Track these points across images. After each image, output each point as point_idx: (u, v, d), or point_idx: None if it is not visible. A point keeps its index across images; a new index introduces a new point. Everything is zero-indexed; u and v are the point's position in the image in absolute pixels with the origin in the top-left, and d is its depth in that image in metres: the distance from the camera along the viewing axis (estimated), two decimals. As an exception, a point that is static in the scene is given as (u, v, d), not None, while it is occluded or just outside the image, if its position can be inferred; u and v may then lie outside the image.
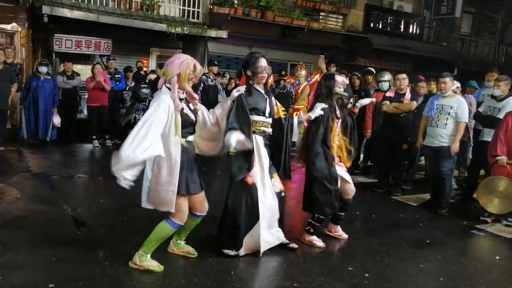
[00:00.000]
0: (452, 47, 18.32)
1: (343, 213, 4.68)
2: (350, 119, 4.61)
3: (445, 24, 18.24)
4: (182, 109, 3.49)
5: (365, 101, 5.08)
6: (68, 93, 9.42)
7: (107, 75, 9.46)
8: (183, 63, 3.46)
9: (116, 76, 9.77)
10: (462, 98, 6.10)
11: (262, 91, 4.05)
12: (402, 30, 16.68)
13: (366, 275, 3.87)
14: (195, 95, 3.68)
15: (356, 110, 4.77)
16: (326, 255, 4.33)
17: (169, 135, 3.39)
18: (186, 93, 3.56)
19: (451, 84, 6.03)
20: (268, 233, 4.04)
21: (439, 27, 18.27)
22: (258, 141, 4.00)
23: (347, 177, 4.55)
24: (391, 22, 16.55)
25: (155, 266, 3.60)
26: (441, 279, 3.95)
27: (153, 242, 3.62)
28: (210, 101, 9.52)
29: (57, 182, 6.29)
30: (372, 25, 16.03)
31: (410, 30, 16.93)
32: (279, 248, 4.18)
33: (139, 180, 3.57)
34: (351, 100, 4.78)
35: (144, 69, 11.44)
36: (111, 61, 9.89)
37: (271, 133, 4.10)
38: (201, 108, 3.82)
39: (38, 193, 5.70)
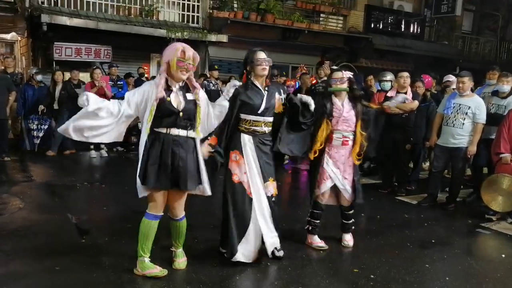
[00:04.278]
0: (453, 45, 18.27)
1: (349, 221, 4.54)
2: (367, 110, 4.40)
3: (446, 23, 18.21)
4: (163, 98, 3.31)
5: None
6: (76, 102, 9.38)
7: (109, 82, 9.41)
8: (171, 50, 3.34)
9: (119, 83, 9.73)
10: (480, 99, 6.03)
11: (261, 87, 3.87)
12: (403, 29, 16.65)
13: (372, 276, 3.85)
14: (196, 85, 3.51)
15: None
16: (330, 257, 4.30)
17: (144, 121, 3.37)
18: (182, 83, 3.44)
19: (470, 84, 6.00)
20: (269, 237, 3.92)
21: (440, 26, 18.25)
22: (246, 140, 3.86)
23: (348, 189, 4.37)
24: (391, 22, 16.54)
25: (157, 272, 3.58)
26: (447, 278, 3.92)
27: (142, 242, 3.54)
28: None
29: (60, 191, 6.27)
30: (372, 25, 16.03)
31: (411, 30, 16.90)
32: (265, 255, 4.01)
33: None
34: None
35: (146, 75, 11.44)
36: (113, 68, 9.82)
37: (266, 132, 3.92)
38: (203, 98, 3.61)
39: (41, 202, 5.70)
